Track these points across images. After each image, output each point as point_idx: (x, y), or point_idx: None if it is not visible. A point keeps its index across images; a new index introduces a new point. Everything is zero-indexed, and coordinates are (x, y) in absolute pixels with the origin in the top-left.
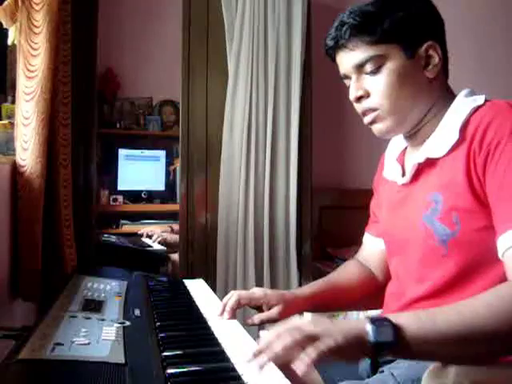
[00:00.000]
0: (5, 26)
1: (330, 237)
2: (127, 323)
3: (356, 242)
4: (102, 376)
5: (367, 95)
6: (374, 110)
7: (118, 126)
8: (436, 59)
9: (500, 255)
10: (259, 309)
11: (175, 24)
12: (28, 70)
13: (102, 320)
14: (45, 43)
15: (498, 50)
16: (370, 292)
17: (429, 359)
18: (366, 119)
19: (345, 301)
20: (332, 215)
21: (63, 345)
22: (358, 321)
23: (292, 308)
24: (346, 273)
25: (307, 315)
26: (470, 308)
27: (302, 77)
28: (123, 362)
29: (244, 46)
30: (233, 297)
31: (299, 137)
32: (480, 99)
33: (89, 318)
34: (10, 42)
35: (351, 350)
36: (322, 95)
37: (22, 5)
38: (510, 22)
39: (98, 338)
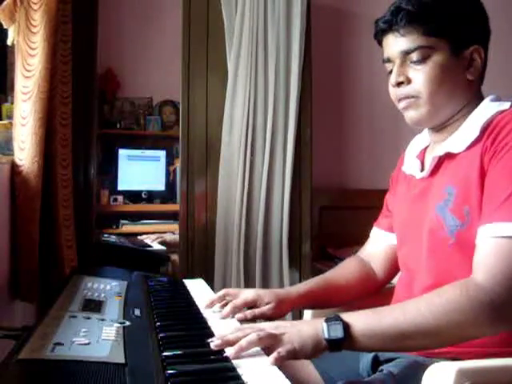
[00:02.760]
0: (4, 27)
1: (329, 237)
2: (127, 323)
3: (356, 242)
4: (101, 376)
5: (408, 82)
6: (411, 96)
7: (118, 125)
8: (479, 63)
9: (476, 242)
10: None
11: (175, 24)
12: (26, 70)
13: (102, 320)
14: (42, 43)
15: (497, 50)
16: (369, 290)
17: (377, 351)
18: (401, 105)
19: (341, 299)
20: (332, 215)
21: (63, 345)
22: (316, 320)
23: (285, 305)
24: (344, 271)
25: (307, 313)
26: (414, 307)
27: (301, 77)
28: (123, 362)
29: (244, 46)
30: (227, 307)
31: (298, 137)
32: (506, 104)
33: (89, 318)
34: (9, 42)
35: (307, 349)
36: (323, 95)
37: (21, 5)
38: (510, 22)
39: (98, 338)
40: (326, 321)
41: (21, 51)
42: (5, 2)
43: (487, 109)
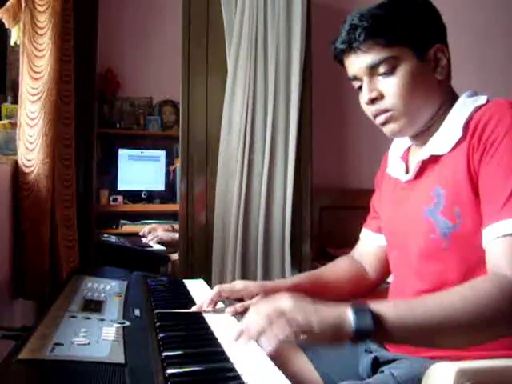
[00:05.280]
0: (7, 27)
1: (329, 237)
2: (127, 323)
3: (356, 242)
4: (101, 376)
5: (381, 97)
6: (387, 110)
7: (117, 126)
8: (444, 61)
9: (483, 246)
10: (242, 301)
11: (175, 24)
12: (33, 71)
13: (102, 320)
14: (50, 44)
15: (498, 50)
16: (360, 289)
17: (406, 344)
18: (379, 120)
19: (330, 294)
20: (332, 215)
21: (63, 345)
22: (340, 307)
23: None
24: (335, 268)
25: None
26: (448, 300)
27: (301, 77)
28: (123, 362)
29: (243, 46)
30: (214, 289)
31: (298, 137)
32: (482, 99)
33: (89, 318)
34: (12, 42)
35: (329, 337)
36: (323, 95)
37: (26, 6)
38: (510, 22)
39: (98, 338)
40: (353, 309)
41: (26, 52)
42: (8, 3)
43: (465, 106)
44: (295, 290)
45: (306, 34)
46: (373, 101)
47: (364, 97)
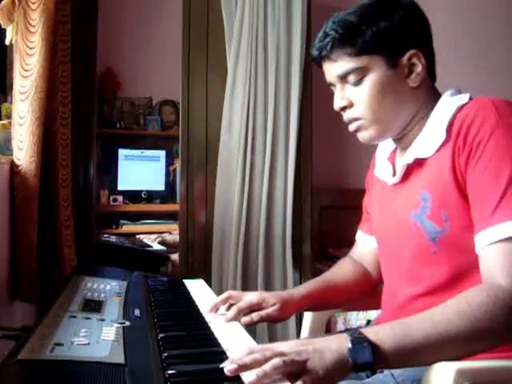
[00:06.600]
0: (2, 26)
1: (329, 237)
2: (127, 323)
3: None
4: (101, 376)
5: (350, 105)
6: (357, 119)
7: (117, 125)
8: (419, 68)
9: (476, 252)
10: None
11: (175, 24)
12: (24, 70)
13: (102, 320)
14: (40, 42)
15: (497, 50)
16: (366, 289)
17: (407, 366)
18: (351, 127)
19: (341, 299)
20: (332, 215)
21: (63, 345)
22: (340, 340)
23: (290, 307)
24: (341, 271)
25: (307, 314)
26: (443, 316)
27: (301, 77)
28: (123, 362)
29: (244, 46)
30: (232, 310)
31: (299, 137)
32: (464, 97)
33: (89, 318)
34: (7, 41)
35: (332, 375)
36: (323, 95)
37: (19, 4)
38: (510, 22)
39: (98, 338)
40: (352, 342)
41: (19, 51)
42: (3, 2)
43: (448, 106)
44: (309, 299)
45: (306, 34)
46: (343, 109)
47: (334, 104)
